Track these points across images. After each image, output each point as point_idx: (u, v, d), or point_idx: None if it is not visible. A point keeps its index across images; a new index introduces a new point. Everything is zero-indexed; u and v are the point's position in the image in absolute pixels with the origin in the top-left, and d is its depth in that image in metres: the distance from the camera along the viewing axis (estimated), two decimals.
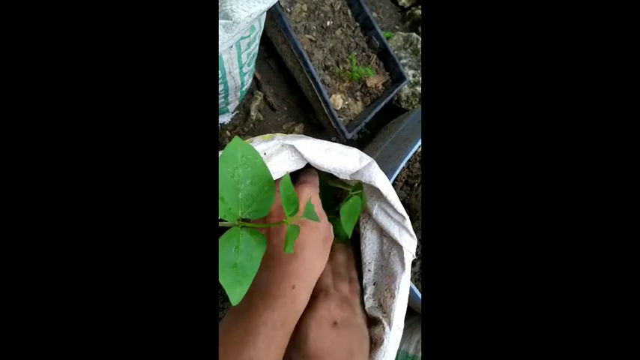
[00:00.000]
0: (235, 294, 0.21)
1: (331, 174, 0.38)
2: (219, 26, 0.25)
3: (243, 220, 0.24)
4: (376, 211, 0.35)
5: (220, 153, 0.22)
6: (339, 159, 0.31)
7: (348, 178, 0.33)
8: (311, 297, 0.29)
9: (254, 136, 0.48)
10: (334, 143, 0.31)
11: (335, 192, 0.40)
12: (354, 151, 0.32)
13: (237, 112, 0.57)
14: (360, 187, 0.35)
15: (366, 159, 0.32)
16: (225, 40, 0.26)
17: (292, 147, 0.29)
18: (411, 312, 0.44)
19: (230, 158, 0.22)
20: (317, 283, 0.30)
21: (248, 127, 0.57)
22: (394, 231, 0.35)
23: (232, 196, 0.22)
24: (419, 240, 0.44)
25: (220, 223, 0.25)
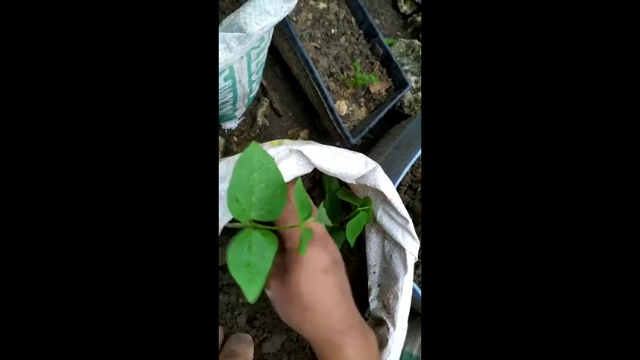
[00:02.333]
0: (251, 291, 0.22)
1: (341, 184, 0.39)
2: (234, 38, 0.27)
3: (255, 221, 0.25)
4: (380, 214, 0.37)
5: (237, 157, 0.24)
6: (346, 164, 0.32)
7: (354, 182, 0.34)
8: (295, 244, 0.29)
9: (261, 141, 0.50)
10: (340, 149, 0.32)
11: (343, 203, 0.41)
12: (360, 157, 0.33)
13: (244, 117, 0.58)
14: (367, 204, 0.36)
15: (372, 164, 0.33)
16: (238, 51, 0.27)
17: (300, 152, 0.31)
18: (415, 314, 0.45)
19: (246, 162, 0.23)
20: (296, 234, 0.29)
21: (254, 132, 0.58)
22: (397, 233, 0.36)
23: (247, 198, 0.24)
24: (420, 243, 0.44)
25: (233, 224, 0.27)
